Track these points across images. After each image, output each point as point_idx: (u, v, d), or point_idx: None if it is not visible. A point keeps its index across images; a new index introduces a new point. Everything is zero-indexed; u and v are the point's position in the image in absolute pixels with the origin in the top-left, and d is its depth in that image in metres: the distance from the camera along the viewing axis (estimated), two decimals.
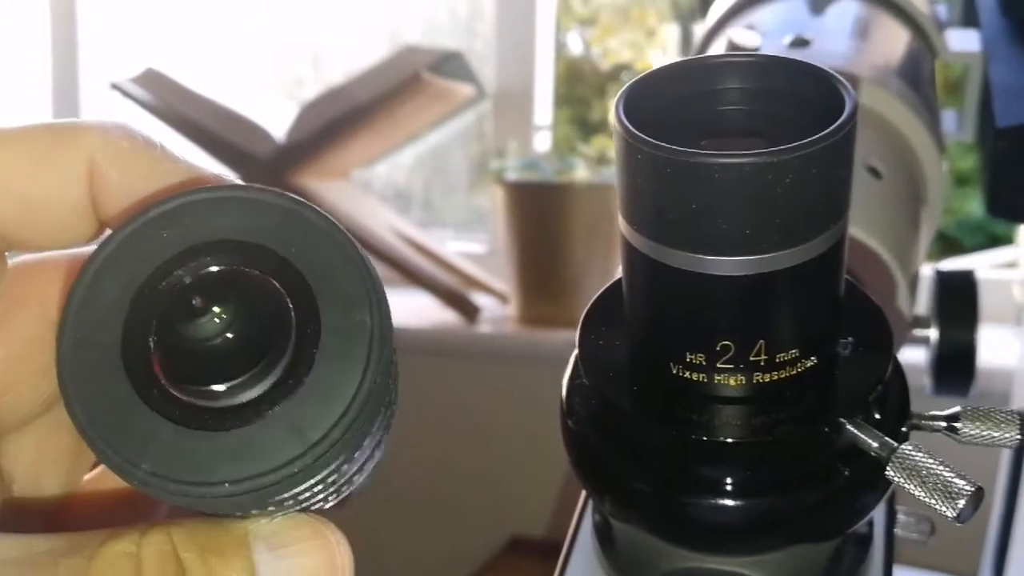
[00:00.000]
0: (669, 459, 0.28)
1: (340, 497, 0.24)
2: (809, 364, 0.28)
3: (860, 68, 0.51)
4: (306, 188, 1.40)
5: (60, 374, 0.22)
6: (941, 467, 0.27)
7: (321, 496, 0.23)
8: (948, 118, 0.64)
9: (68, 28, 1.86)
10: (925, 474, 0.27)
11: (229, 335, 0.21)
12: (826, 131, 0.24)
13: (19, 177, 0.25)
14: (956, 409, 0.30)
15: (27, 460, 0.29)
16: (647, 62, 1.71)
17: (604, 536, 0.33)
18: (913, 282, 0.46)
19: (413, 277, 1.46)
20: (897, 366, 0.30)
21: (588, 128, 1.75)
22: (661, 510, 0.29)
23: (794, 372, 0.27)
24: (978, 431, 0.30)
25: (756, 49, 0.51)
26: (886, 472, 0.27)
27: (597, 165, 1.46)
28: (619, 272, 0.30)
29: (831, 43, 0.54)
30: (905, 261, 0.44)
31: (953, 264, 1.35)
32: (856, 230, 0.42)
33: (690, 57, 0.30)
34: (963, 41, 0.63)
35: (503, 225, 1.49)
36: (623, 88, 0.27)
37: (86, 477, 0.30)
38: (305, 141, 1.48)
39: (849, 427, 0.28)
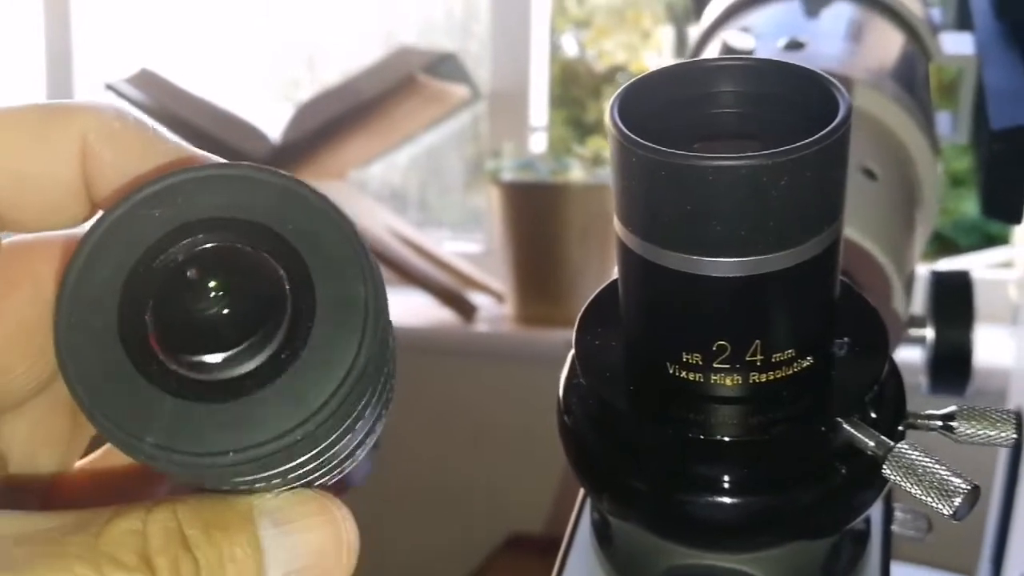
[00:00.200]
0: (666, 458, 0.29)
1: (344, 472, 0.24)
2: (805, 364, 0.28)
3: (854, 71, 0.51)
4: None
5: (59, 354, 0.22)
6: (937, 465, 0.27)
7: (325, 469, 0.23)
8: (942, 120, 0.65)
9: (62, 29, 1.86)
10: (921, 472, 0.27)
11: (225, 308, 0.22)
12: (820, 134, 0.25)
13: (11, 155, 0.26)
14: (952, 408, 0.30)
15: (22, 441, 0.29)
16: (642, 64, 1.72)
17: (602, 534, 0.34)
18: (909, 282, 0.46)
19: (410, 277, 1.46)
20: (893, 366, 0.31)
21: (583, 129, 1.75)
22: (659, 508, 0.29)
23: (790, 372, 0.28)
24: (974, 430, 0.30)
25: (751, 52, 0.51)
26: (883, 471, 0.27)
27: (592, 166, 1.46)
28: (615, 272, 0.30)
29: (825, 46, 0.54)
30: (900, 262, 0.44)
31: (949, 264, 1.35)
32: (851, 231, 0.42)
33: (685, 60, 0.31)
34: (957, 44, 0.63)
35: (499, 225, 1.49)
36: (618, 91, 0.28)
37: (79, 463, 0.30)
38: (301, 142, 1.48)
39: (846, 426, 0.28)
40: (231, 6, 1.85)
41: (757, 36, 0.53)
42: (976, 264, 1.41)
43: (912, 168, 0.51)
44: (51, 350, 0.27)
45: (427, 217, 1.80)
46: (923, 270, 0.53)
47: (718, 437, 0.28)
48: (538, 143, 1.65)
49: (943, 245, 1.51)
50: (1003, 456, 0.73)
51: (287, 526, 0.23)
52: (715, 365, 0.27)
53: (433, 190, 1.82)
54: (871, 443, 0.28)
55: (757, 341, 0.27)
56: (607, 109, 0.27)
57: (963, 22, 0.67)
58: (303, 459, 0.22)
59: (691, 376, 0.28)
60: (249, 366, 0.21)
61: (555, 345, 1.30)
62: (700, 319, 0.27)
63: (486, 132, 1.67)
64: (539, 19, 1.63)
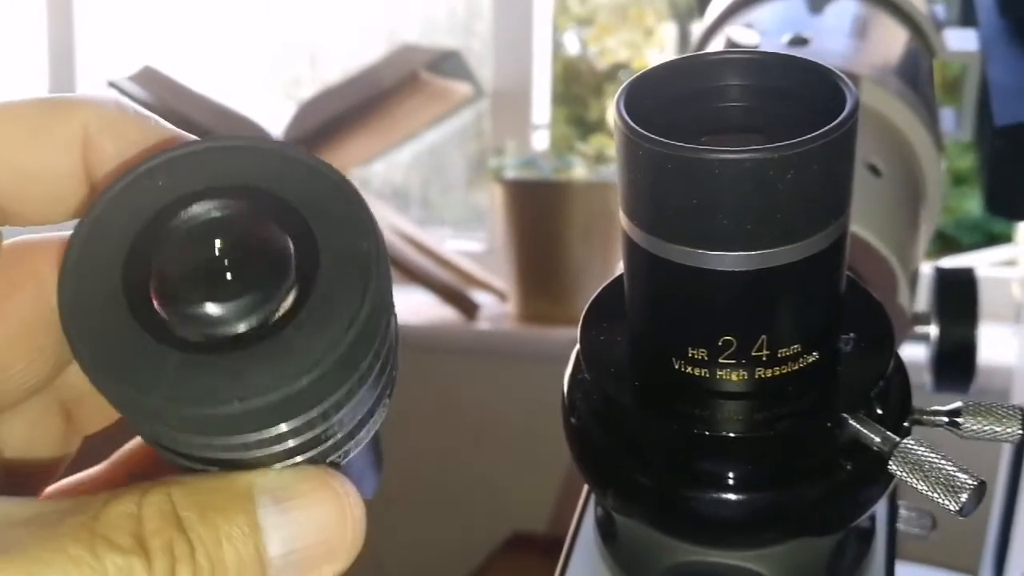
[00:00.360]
0: (671, 454, 0.29)
1: (348, 454, 0.24)
2: (811, 360, 0.28)
3: (859, 67, 0.51)
4: None
5: (64, 321, 0.22)
6: (944, 461, 0.27)
7: (328, 444, 0.23)
8: (946, 117, 0.65)
9: (65, 26, 1.86)
10: (928, 468, 0.27)
11: (226, 259, 0.22)
12: (827, 127, 0.25)
13: (13, 148, 0.26)
14: (958, 404, 0.30)
15: (17, 440, 0.29)
16: (644, 62, 1.71)
17: (606, 530, 0.33)
18: (913, 279, 0.46)
19: (412, 275, 1.46)
20: (899, 362, 0.31)
21: (586, 127, 1.75)
22: (663, 504, 0.29)
23: (796, 367, 0.27)
24: (980, 426, 0.30)
25: (755, 47, 0.51)
26: (889, 467, 0.27)
27: (595, 163, 1.46)
28: (619, 269, 0.30)
29: (830, 42, 0.54)
30: (905, 258, 0.44)
31: (952, 262, 1.35)
32: (856, 227, 0.42)
33: (691, 54, 0.31)
34: (961, 40, 0.63)
35: (501, 223, 1.49)
36: (624, 85, 0.27)
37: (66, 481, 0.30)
38: (303, 140, 1.48)
39: (851, 422, 0.28)
40: (234, 4, 1.85)
41: (761, 32, 0.53)
42: (979, 263, 1.40)
43: (916, 164, 0.51)
44: (51, 349, 0.27)
45: (429, 215, 1.80)
46: (927, 268, 0.53)
47: (723, 433, 0.28)
48: (540, 141, 1.64)
49: (946, 243, 1.51)
50: (1006, 453, 0.73)
51: (288, 503, 0.23)
52: (721, 360, 0.27)
53: (435, 188, 1.82)
54: (877, 439, 0.28)
55: (763, 336, 0.27)
56: (613, 102, 0.27)
57: (967, 18, 0.67)
58: (307, 419, 0.22)
59: (697, 371, 0.28)
60: (253, 320, 0.21)
61: (557, 343, 1.29)
62: (706, 314, 0.27)
63: (488, 130, 1.67)
64: (541, 17, 1.63)
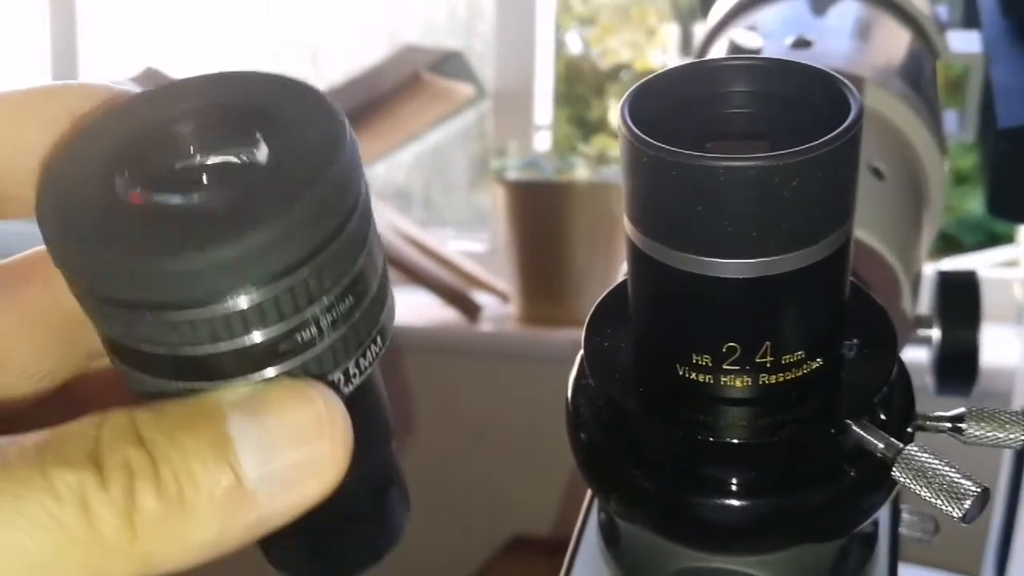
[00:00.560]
0: (675, 459, 0.29)
1: (322, 372, 0.23)
2: (815, 366, 0.28)
3: (862, 69, 0.51)
4: None
5: (37, 201, 0.22)
6: (947, 468, 0.27)
7: (304, 357, 0.22)
8: (949, 118, 0.65)
9: (67, 27, 1.86)
10: (931, 475, 0.27)
11: (192, 133, 0.23)
12: (832, 135, 0.25)
13: (2, 133, 0.26)
14: (961, 410, 0.30)
15: None
16: (647, 62, 1.71)
17: (610, 535, 0.33)
18: (915, 282, 0.46)
19: (414, 276, 1.46)
20: (902, 367, 0.31)
21: (588, 127, 1.75)
22: (667, 510, 0.29)
23: (800, 374, 0.27)
24: (983, 432, 0.30)
25: (758, 50, 0.51)
26: (892, 473, 0.27)
27: (597, 164, 1.46)
28: (620, 272, 0.30)
29: (833, 44, 0.54)
30: (908, 262, 0.44)
31: (954, 263, 1.35)
32: (859, 231, 0.42)
33: (695, 60, 0.31)
34: (964, 42, 0.63)
35: (504, 224, 1.49)
36: (628, 91, 0.27)
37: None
38: None
39: (855, 428, 0.28)
40: (236, 5, 1.85)
41: (764, 34, 0.53)
42: (981, 263, 1.40)
43: (919, 167, 0.51)
44: (54, 346, 0.27)
45: (431, 216, 1.80)
46: (929, 269, 0.53)
47: (727, 439, 0.28)
48: (543, 142, 1.64)
49: (947, 244, 1.51)
50: (1007, 459, 0.73)
51: (260, 413, 0.22)
52: (725, 367, 0.27)
53: (437, 189, 1.82)
54: (880, 445, 0.28)
55: (767, 343, 0.27)
56: (618, 109, 0.27)
57: (970, 20, 0.67)
58: (271, 292, 0.21)
59: (700, 377, 0.28)
60: (215, 183, 0.22)
61: (560, 345, 1.30)
62: (710, 320, 0.27)
63: (491, 131, 1.67)
64: (544, 17, 1.63)
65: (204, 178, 0.22)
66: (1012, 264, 1.41)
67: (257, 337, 0.22)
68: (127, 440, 0.21)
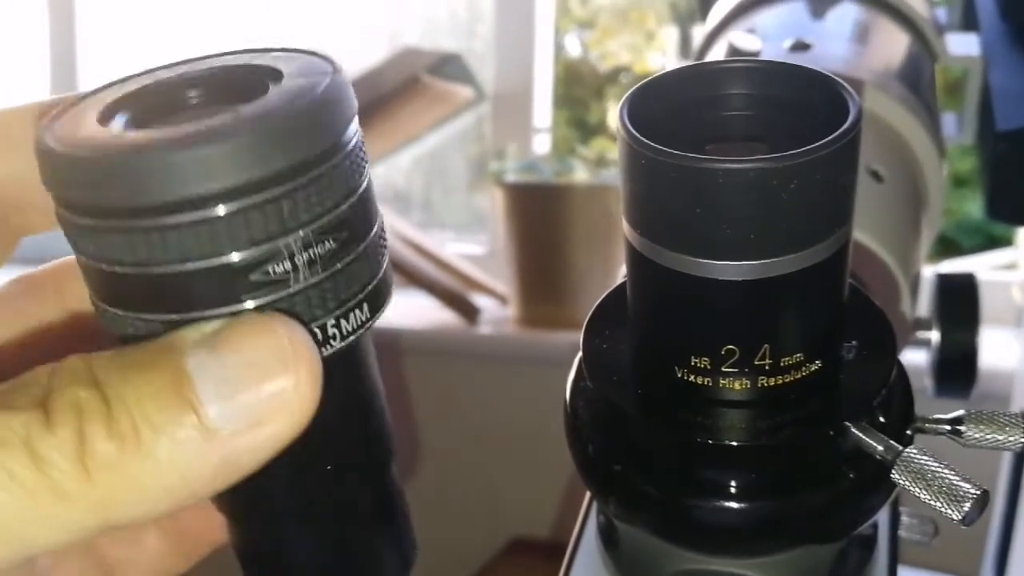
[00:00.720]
0: (674, 462, 0.29)
1: (324, 344, 0.23)
2: (814, 368, 0.28)
3: (861, 72, 0.51)
4: None
5: (36, 146, 0.23)
6: (946, 470, 0.27)
7: (281, 294, 0.22)
8: (948, 121, 0.65)
9: (67, 27, 1.86)
10: (930, 477, 0.27)
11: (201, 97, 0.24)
12: (830, 137, 0.25)
13: (8, 156, 0.26)
14: (960, 412, 0.30)
15: None
16: (646, 65, 1.72)
17: (608, 537, 0.33)
18: (914, 285, 0.46)
19: (413, 278, 1.46)
20: (901, 369, 0.31)
21: (587, 130, 1.75)
22: (666, 512, 0.29)
23: (799, 376, 0.27)
24: (983, 434, 0.30)
25: (756, 53, 0.51)
26: (892, 475, 0.27)
27: (596, 167, 1.46)
28: (619, 274, 0.30)
29: (832, 47, 0.54)
30: (907, 264, 0.44)
31: (952, 266, 1.35)
32: (858, 233, 0.42)
33: (694, 62, 0.31)
34: (963, 45, 0.63)
35: (502, 227, 1.49)
36: (627, 94, 0.27)
37: None
38: None
39: (854, 431, 0.28)
40: (234, 7, 1.86)
41: (763, 37, 0.53)
42: (980, 266, 1.40)
43: (918, 169, 0.51)
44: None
45: (430, 218, 1.80)
46: (927, 272, 0.53)
47: (726, 441, 0.27)
48: (542, 144, 1.65)
49: (946, 246, 1.51)
50: (1006, 461, 0.73)
51: (220, 347, 0.21)
52: (723, 369, 0.27)
53: (437, 191, 1.82)
54: (879, 447, 0.28)
55: (766, 345, 0.27)
56: (617, 112, 0.27)
57: (969, 23, 0.67)
58: (247, 203, 0.21)
59: (699, 380, 0.28)
60: (206, 119, 0.22)
61: (558, 347, 1.30)
62: (709, 323, 0.27)
63: (490, 133, 1.67)
64: (543, 20, 1.63)
65: (194, 115, 0.23)
66: (1011, 267, 1.41)
67: (226, 258, 0.21)
68: (80, 382, 0.20)
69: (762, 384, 0.27)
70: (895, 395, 0.30)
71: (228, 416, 0.20)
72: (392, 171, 1.78)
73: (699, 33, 0.64)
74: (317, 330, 0.23)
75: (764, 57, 0.51)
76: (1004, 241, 1.47)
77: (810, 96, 0.27)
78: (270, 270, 0.22)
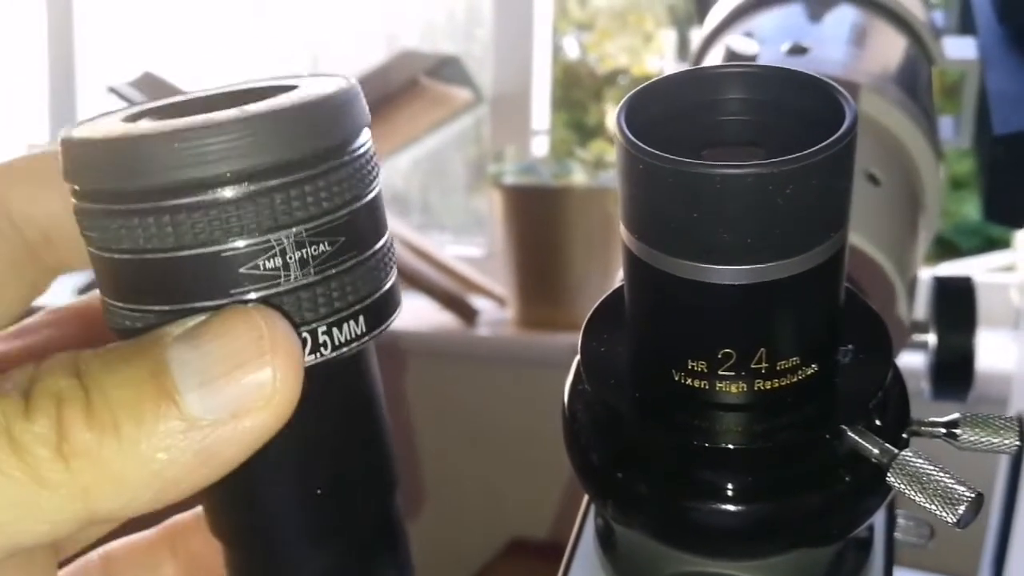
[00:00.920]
0: (671, 464, 0.29)
1: (318, 348, 0.23)
2: (810, 371, 0.28)
3: (858, 75, 0.52)
4: None
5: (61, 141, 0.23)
6: (941, 473, 0.27)
7: (277, 289, 0.22)
8: (945, 124, 0.65)
9: (65, 31, 1.86)
10: (926, 480, 0.27)
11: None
12: (826, 142, 0.25)
13: (34, 202, 0.26)
14: (955, 415, 0.30)
15: None
16: (644, 67, 1.72)
17: (606, 540, 0.34)
18: (911, 288, 0.46)
19: (411, 280, 1.46)
20: (897, 373, 0.31)
21: (585, 132, 1.75)
22: (663, 515, 0.29)
23: (795, 379, 0.28)
24: (978, 437, 0.30)
25: (754, 56, 0.51)
26: (887, 478, 0.27)
27: (594, 169, 1.46)
28: (618, 277, 0.30)
29: (829, 50, 0.54)
30: (904, 268, 0.44)
31: (951, 268, 1.35)
32: (855, 237, 0.42)
33: (691, 67, 0.31)
34: (960, 48, 0.63)
35: (501, 229, 1.49)
36: (624, 98, 0.28)
37: None
38: None
39: (850, 434, 0.28)
40: (234, 8, 1.86)
41: (760, 41, 0.53)
42: (978, 268, 1.41)
43: (915, 173, 0.51)
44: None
45: (429, 220, 1.80)
46: (924, 274, 0.53)
47: (723, 444, 0.28)
48: (540, 146, 1.65)
49: (944, 248, 1.52)
50: (1003, 463, 0.73)
51: (200, 338, 0.21)
52: (720, 372, 0.27)
53: (435, 193, 1.82)
54: (875, 450, 0.28)
55: (762, 349, 0.27)
56: (614, 116, 0.27)
57: (966, 26, 0.67)
58: (231, 192, 0.21)
59: (696, 383, 0.28)
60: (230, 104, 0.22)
61: (557, 349, 1.30)
62: (705, 326, 0.27)
63: (488, 135, 1.67)
64: (541, 22, 1.63)
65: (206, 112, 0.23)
66: (1009, 269, 1.41)
67: (216, 247, 0.22)
68: (62, 373, 0.20)
69: (758, 388, 0.28)
70: (891, 398, 0.30)
71: (208, 406, 0.21)
72: (391, 173, 1.78)
73: (697, 36, 0.64)
74: (307, 334, 0.23)
75: (761, 60, 0.51)
76: (1002, 243, 1.47)
77: (807, 101, 0.27)
78: (260, 264, 0.22)
